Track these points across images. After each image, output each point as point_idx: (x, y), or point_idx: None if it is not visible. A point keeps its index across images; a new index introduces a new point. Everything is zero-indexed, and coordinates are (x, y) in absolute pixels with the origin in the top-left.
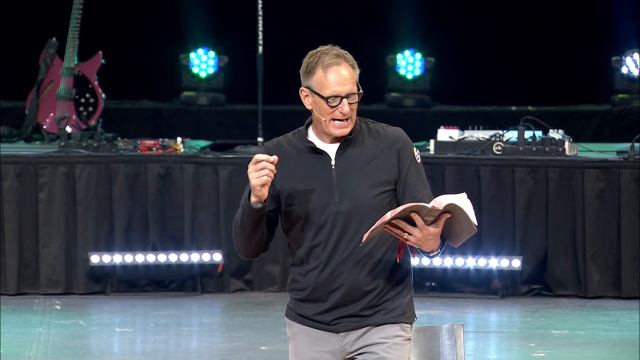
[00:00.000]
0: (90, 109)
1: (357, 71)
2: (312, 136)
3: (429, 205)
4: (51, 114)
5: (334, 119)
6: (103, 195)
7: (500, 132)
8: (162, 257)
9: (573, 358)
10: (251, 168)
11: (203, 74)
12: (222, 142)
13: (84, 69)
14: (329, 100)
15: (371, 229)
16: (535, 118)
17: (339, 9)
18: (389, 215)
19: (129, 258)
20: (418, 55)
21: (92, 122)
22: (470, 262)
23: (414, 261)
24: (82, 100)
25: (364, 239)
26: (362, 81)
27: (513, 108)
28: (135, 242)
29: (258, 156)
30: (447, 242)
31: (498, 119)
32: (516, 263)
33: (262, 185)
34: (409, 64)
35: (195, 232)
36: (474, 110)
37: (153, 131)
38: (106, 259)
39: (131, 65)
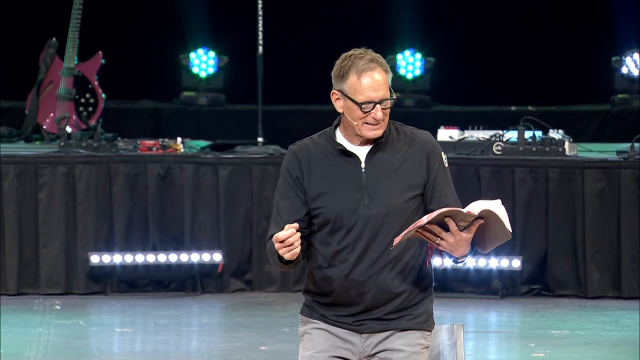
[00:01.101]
0: (90, 109)
1: (390, 75)
2: (340, 138)
3: (464, 211)
4: (51, 114)
5: (366, 123)
6: (103, 195)
7: (500, 132)
8: (162, 257)
9: (573, 358)
10: (278, 245)
11: (203, 74)
12: (222, 142)
13: (84, 69)
14: (362, 106)
15: (404, 233)
16: (535, 118)
17: (339, 9)
18: (425, 219)
19: (128, 258)
20: (418, 55)
21: (92, 122)
22: (470, 262)
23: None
24: (82, 100)
25: (395, 243)
26: None
27: (513, 108)
28: (135, 242)
29: (280, 235)
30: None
31: (498, 119)
32: (516, 263)
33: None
34: (409, 64)
35: (195, 232)
36: (474, 110)
37: (153, 131)
38: (106, 259)
39: (131, 65)
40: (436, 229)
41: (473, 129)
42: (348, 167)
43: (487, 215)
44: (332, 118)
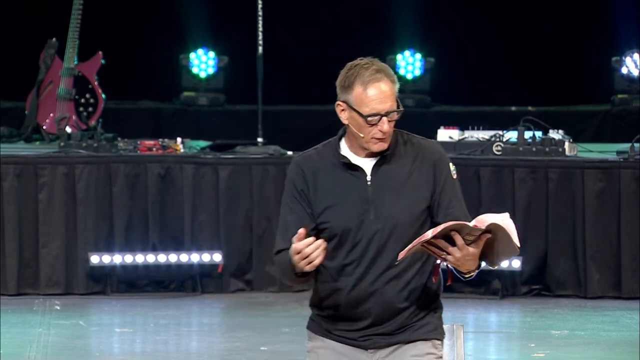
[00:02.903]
0: (90, 109)
1: (397, 85)
2: (345, 150)
3: (471, 225)
4: (51, 114)
5: (372, 136)
6: (103, 196)
7: (500, 132)
8: (162, 258)
9: (573, 358)
10: (297, 257)
11: (203, 74)
12: (222, 142)
13: (84, 69)
14: (368, 118)
15: (409, 247)
16: (535, 118)
17: (339, 9)
18: (429, 233)
19: (128, 258)
20: (418, 56)
21: (92, 123)
22: None
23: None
24: (82, 100)
25: (400, 257)
26: None
27: (513, 108)
28: (135, 243)
29: (298, 246)
30: (483, 262)
31: (498, 119)
32: (516, 263)
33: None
34: (409, 64)
35: (195, 233)
36: (474, 110)
37: (153, 131)
38: (106, 259)
39: (131, 65)
40: (442, 243)
41: (473, 129)
42: (353, 181)
43: (494, 229)
44: (332, 118)
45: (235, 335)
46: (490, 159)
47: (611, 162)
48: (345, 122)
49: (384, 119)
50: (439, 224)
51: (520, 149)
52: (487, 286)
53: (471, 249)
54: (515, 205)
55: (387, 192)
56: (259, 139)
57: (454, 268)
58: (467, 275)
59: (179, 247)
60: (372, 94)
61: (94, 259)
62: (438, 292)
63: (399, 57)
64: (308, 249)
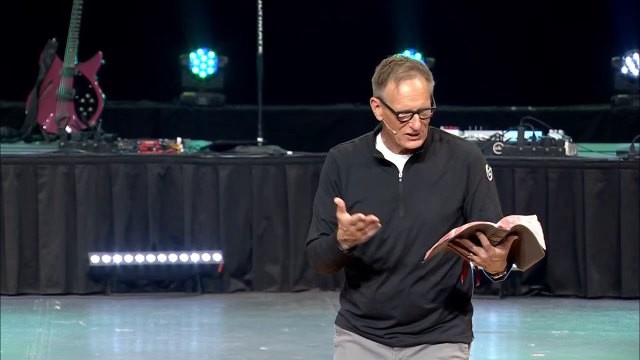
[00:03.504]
0: (90, 109)
1: (432, 83)
2: (380, 145)
3: (496, 225)
4: (51, 114)
5: (405, 133)
6: (103, 196)
7: (500, 132)
8: (162, 257)
9: (573, 358)
10: (352, 229)
11: (203, 74)
12: (222, 142)
13: (83, 69)
14: (399, 115)
15: (434, 247)
16: (535, 118)
17: (339, 9)
18: (453, 233)
19: (128, 258)
20: (418, 56)
21: (92, 123)
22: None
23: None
24: (82, 100)
25: (426, 257)
26: (362, 81)
27: (513, 108)
28: (135, 243)
29: (352, 218)
30: (513, 265)
31: (498, 119)
32: None
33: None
34: None
35: (195, 233)
36: (474, 110)
37: (153, 131)
38: (106, 259)
39: (131, 65)
40: (468, 243)
41: (473, 129)
42: (385, 177)
43: (520, 230)
44: (332, 118)
45: (235, 335)
46: (490, 158)
47: (611, 162)
48: (379, 118)
49: (416, 116)
50: None
51: (520, 148)
52: (487, 286)
53: (497, 250)
54: (515, 205)
55: (418, 190)
56: (259, 139)
57: (483, 269)
58: (496, 277)
59: (179, 247)
60: (404, 91)
61: (94, 258)
62: (468, 294)
63: None
64: (361, 223)
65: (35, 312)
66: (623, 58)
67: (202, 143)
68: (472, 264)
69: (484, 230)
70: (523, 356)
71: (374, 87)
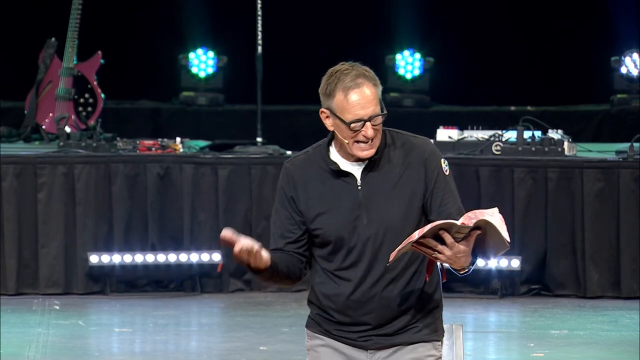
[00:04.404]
0: (90, 109)
1: (380, 88)
2: (334, 155)
3: (458, 223)
4: (50, 114)
5: (357, 141)
6: (102, 196)
7: (500, 132)
8: (161, 257)
9: (572, 358)
10: (243, 256)
11: (202, 74)
12: (221, 142)
13: (83, 69)
14: (351, 125)
15: (398, 248)
16: (534, 118)
17: (338, 8)
18: (416, 234)
19: (128, 258)
20: (417, 55)
21: (91, 122)
22: None
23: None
24: (81, 100)
25: (390, 259)
26: None
27: (512, 108)
28: (135, 242)
29: (237, 249)
30: (477, 258)
31: (497, 119)
32: (515, 263)
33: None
34: (408, 64)
35: (195, 232)
36: (473, 110)
37: (152, 131)
38: (105, 259)
39: (130, 65)
40: (432, 242)
41: (472, 129)
42: (344, 187)
43: (484, 225)
44: None
45: (235, 335)
46: (489, 158)
47: (610, 162)
48: (330, 129)
49: (368, 124)
50: (432, 221)
51: (520, 148)
52: (486, 286)
53: (462, 247)
54: (515, 205)
55: (379, 195)
56: (258, 139)
57: (449, 265)
58: (462, 272)
59: (178, 246)
60: (353, 100)
61: (93, 258)
62: (437, 291)
63: (398, 56)
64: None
65: (34, 312)
66: (622, 58)
67: (202, 143)
68: (436, 262)
69: (447, 228)
70: (522, 356)
71: (322, 99)
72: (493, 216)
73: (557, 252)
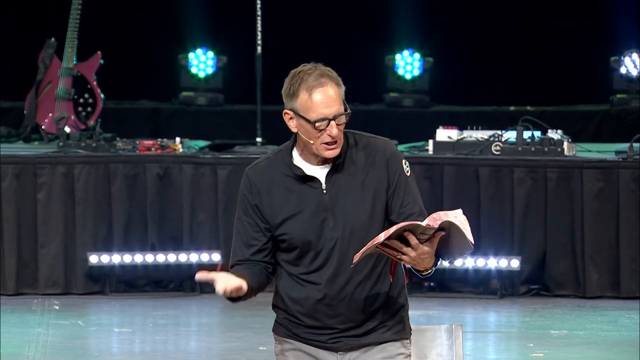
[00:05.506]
0: (89, 109)
1: (343, 88)
2: (297, 159)
3: (423, 224)
4: (50, 114)
5: (323, 142)
6: (102, 196)
7: (499, 132)
8: (160, 257)
9: (572, 358)
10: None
11: (202, 74)
12: (220, 142)
13: (82, 69)
14: (316, 124)
15: (362, 250)
16: (534, 118)
17: (338, 9)
18: (382, 236)
19: (127, 258)
20: (417, 56)
21: (91, 122)
22: (468, 262)
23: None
24: (81, 100)
25: (354, 260)
26: (361, 81)
27: (512, 108)
28: (134, 242)
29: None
30: (441, 260)
31: (497, 119)
32: (515, 263)
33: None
34: (408, 64)
35: (194, 232)
36: (473, 110)
37: (152, 131)
38: (105, 259)
39: (130, 65)
40: (396, 244)
41: (472, 129)
42: (309, 191)
43: (448, 226)
44: None
45: (234, 335)
46: (489, 158)
47: (610, 162)
48: (294, 130)
49: (332, 122)
50: (394, 222)
51: (519, 148)
52: (485, 286)
53: (426, 248)
54: (514, 205)
55: (344, 198)
56: (258, 139)
57: (411, 266)
58: (424, 273)
59: (177, 246)
60: (317, 99)
61: (93, 258)
62: (402, 292)
63: (397, 56)
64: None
65: (34, 312)
66: (622, 58)
67: (201, 143)
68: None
69: (412, 230)
70: (522, 356)
71: (285, 100)
72: (457, 217)
73: (556, 252)
